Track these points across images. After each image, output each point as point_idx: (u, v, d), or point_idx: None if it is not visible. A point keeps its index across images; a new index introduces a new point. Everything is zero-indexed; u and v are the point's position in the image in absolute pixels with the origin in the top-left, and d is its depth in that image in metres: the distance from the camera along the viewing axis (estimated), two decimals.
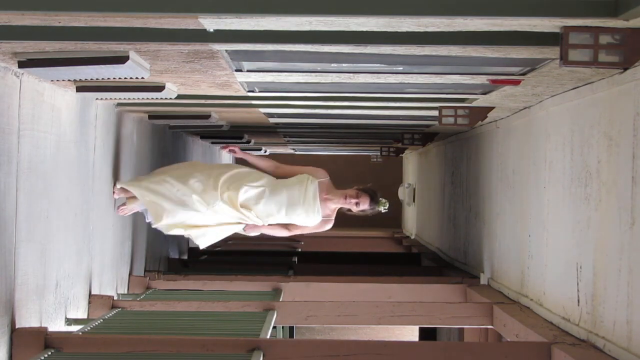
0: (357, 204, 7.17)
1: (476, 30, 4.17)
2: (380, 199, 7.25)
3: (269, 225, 7.25)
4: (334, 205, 7.23)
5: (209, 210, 7.13)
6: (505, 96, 6.57)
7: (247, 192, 7.12)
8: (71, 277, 6.49)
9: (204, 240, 7.26)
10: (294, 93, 7.15)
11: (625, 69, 4.63)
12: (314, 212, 7.13)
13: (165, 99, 6.82)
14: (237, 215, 7.15)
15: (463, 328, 10.24)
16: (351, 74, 5.87)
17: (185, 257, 12.16)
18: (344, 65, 5.57)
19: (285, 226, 7.30)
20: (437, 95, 6.99)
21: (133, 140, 8.69)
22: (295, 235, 7.63)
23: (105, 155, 7.46)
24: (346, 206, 7.21)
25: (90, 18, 3.99)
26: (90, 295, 7.02)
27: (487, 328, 8.42)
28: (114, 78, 5.42)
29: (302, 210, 7.11)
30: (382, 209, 7.27)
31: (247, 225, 7.24)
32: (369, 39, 4.31)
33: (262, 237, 7.92)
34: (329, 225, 7.29)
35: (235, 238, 10.18)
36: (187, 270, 10.16)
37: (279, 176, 7.37)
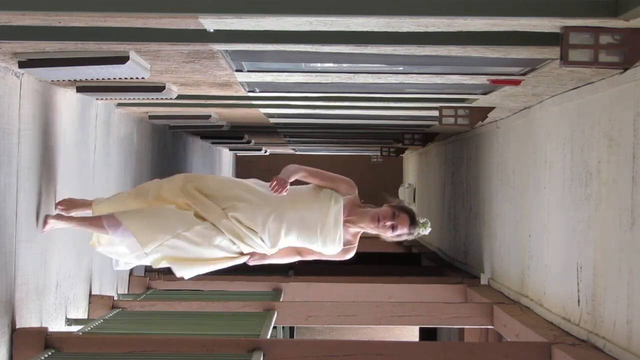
0: (392, 227, 5.28)
1: (476, 31, 4.17)
2: (419, 218, 5.40)
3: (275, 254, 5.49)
4: (358, 229, 5.41)
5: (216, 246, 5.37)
6: (506, 96, 6.57)
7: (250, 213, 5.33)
8: (71, 277, 6.49)
9: (190, 272, 5.42)
10: (294, 93, 7.15)
11: (626, 69, 4.63)
12: (333, 241, 5.32)
13: (166, 99, 6.82)
14: (242, 244, 5.36)
15: (463, 328, 10.23)
16: (351, 74, 5.87)
17: None
18: (344, 65, 5.57)
19: (297, 250, 5.50)
20: (438, 95, 6.99)
21: (133, 140, 8.69)
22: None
23: (105, 155, 7.45)
24: (376, 231, 5.35)
25: (91, 18, 3.99)
26: (90, 295, 7.01)
27: (487, 328, 8.42)
28: (114, 78, 5.42)
29: (319, 239, 5.32)
30: (424, 232, 5.40)
31: (252, 254, 5.42)
32: (369, 39, 4.32)
33: None
34: (350, 255, 5.47)
35: None
36: None
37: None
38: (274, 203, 5.27)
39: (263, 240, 5.29)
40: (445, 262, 11.30)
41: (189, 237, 5.23)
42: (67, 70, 5.07)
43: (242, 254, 5.39)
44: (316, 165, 5.66)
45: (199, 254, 5.28)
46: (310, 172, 5.38)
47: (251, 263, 5.44)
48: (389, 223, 5.25)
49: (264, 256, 5.43)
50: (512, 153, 7.82)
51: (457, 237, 10.87)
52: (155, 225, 5.23)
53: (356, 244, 5.45)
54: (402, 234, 5.29)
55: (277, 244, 5.32)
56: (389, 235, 5.30)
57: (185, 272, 5.37)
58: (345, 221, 5.30)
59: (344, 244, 5.35)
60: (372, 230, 5.31)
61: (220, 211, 5.28)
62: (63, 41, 4.49)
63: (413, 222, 5.31)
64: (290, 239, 5.32)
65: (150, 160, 9.53)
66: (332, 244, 5.32)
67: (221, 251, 5.31)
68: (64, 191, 6.16)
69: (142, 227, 5.22)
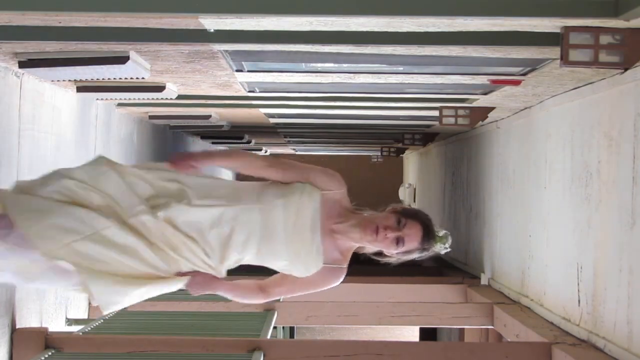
0: (397, 241, 3.64)
1: (477, 31, 4.17)
2: (438, 230, 3.79)
3: (224, 280, 3.74)
4: (349, 243, 3.72)
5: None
6: (506, 96, 6.56)
7: (187, 212, 3.61)
8: None
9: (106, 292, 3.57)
10: (294, 93, 7.15)
11: (626, 69, 4.63)
12: (309, 254, 3.66)
13: (166, 99, 6.82)
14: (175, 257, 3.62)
15: (463, 328, 10.23)
16: (351, 74, 5.87)
17: None
18: (344, 65, 5.57)
19: (259, 285, 3.83)
20: (438, 95, 6.99)
21: (133, 140, 8.68)
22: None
23: (105, 155, 7.44)
24: (374, 245, 3.69)
25: (91, 18, 3.99)
26: None
27: (488, 328, 8.42)
28: (114, 78, 5.42)
29: (285, 252, 3.65)
30: (443, 248, 3.81)
31: (190, 280, 3.63)
32: (369, 39, 4.32)
33: None
34: (337, 279, 3.75)
35: None
36: None
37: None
38: (225, 200, 3.64)
39: (207, 254, 3.62)
40: (446, 262, 11.29)
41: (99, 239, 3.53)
42: (67, 70, 5.06)
43: (176, 274, 3.63)
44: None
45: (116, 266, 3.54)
46: (267, 162, 3.75)
47: (193, 291, 3.66)
48: (392, 235, 3.62)
49: (209, 280, 3.68)
50: (512, 153, 7.81)
51: (458, 237, 10.86)
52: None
53: (346, 265, 3.74)
54: (411, 249, 3.70)
55: (226, 259, 3.65)
56: (392, 252, 3.69)
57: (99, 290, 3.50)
58: (330, 230, 3.66)
59: (329, 262, 3.67)
60: (368, 244, 3.67)
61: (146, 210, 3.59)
62: (63, 41, 4.48)
63: (427, 235, 3.71)
64: (247, 254, 3.66)
65: (150, 161, 9.53)
66: (308, 257, 3.65)
67: (146, 266, 3.57)
68: None
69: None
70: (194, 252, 3.61)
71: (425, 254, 3.78)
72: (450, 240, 3.84)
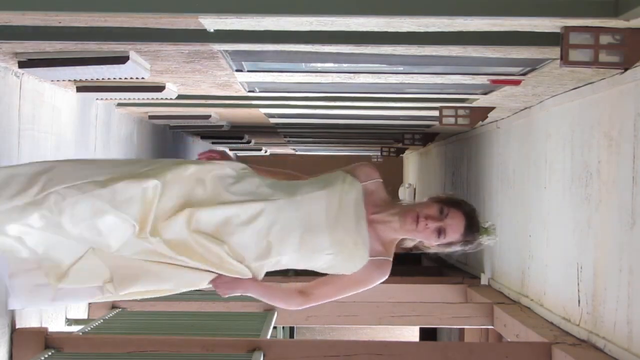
0: (439, 231, 3.45)
1: (477, 30, 4.17)
2: (483, 221, 3.62)
3: (261, 282, 3.50)
4: (392, 235, 3.51)
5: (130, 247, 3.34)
6: (506, 96, 6.56)
7: (218, 210, 3.36)
8: None
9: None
10: (294, 93, 7.14)
11: (626, 69, 4.63)
12: (355, 244, 3.41)
13: (166, 99, 6.82)
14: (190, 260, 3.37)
15: (463, 328, 10.23)
16: (351, 74, 5.86)
17: None
18: (344, 65, 5.56)
19: (298, 288, 3.59)
20: (438, 95, 6.99)
21: (133, 140, 8.68)
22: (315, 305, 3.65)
23: (105, 155, 7.45)
24: (413, 236, 3.50)
25: (91, 18, 3.99)
26: None
27: (488, 328, 8.42)
28: (114, 78, 5.42)
29: (331, 241, 3.39)
30: (489, 241, 3.63)
31: (216, 277, 3.40)
32: (369, 39, 4.31)
33: None
34: (383, 275, 3.49)
35: None
36: None
37: None
38: (260, 195, 3.40)
39: (235, 257, 3.37)
40: (446, 262, 11.29)
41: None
42: (67, 70, 5.06)
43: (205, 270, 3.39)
44: (316, 166, 4.08)
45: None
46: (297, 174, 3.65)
47: (221, 290, 3.42)
48: (433, 225, 3.42)
49: (238, 279, 3.40)
50: (512, 153, 7.81)
51: None
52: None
53: (391, 258, 3.51)
54: (453, 241, 3.47)
55: (263, 258, 3.40)
56: (433, 243, 3.48)
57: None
58: (370, 220, 3.45)
59: (374, 254, 3.44)
60: (408, 234, 3.47)
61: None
62: (63, 41, 4.48)
63: (471, 226, 3.51)
64: (287, 252, 3.41)
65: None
66: (353, 251, 3.41)
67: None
68: None
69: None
70: (219, 256, 3.34)
71: (469, 247, 3.55)
72: (496, 232, 3.66)
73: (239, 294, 3.47)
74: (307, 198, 3.40)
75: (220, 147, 16.79)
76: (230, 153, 19.93)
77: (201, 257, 3.33)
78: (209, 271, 3.37)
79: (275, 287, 3.56)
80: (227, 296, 3.44)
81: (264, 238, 3.36)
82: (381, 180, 3.55)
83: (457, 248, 3.52)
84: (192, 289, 3.43)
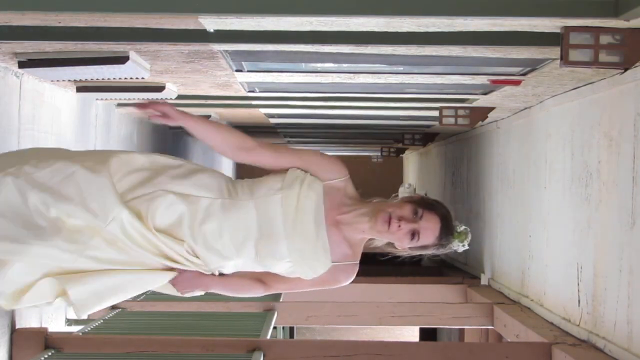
0: (412, 234, 3.29)
1: (477, 31, 4.17)
2: (457, 225, 3.46)
3: (220, 276, 3.33)
4: (359, 236, 3.35)
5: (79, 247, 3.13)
6: (506, 96, 6.56)
7: (172, 206, 3.21)
8: None
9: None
10: (294, 93, 7.15)
11: (626, 69, 4.62)
12: (315, 253, 3.25)
13: (166, 99, 6.82)
14: (150, 256, 3.20)
15: (463, 328, 10.23)
16: (351, 74, 5.86)
17: None
18: (344, 65, 5.56)
19: (258, 277, 3.37)
20: (438, 95, 6.99)
21: (133, 140, 8.68)
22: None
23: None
24: (385, 238, 3.34)
25: (91, 18, 3.99)
26: None
27: (488, 328, 8.42)
28: (114, 78, 5.42)
29: (288, 250, 3.22)
30: (461, 246, 3.46)
31: (177, 276, 3.25)
32: (369, 39, 4.31)
33: None
34: (348, 279, 3.37)
35: None
36: None
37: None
38: (213, 192, 3.26)
39: (196, 254, 3.21)
40: (446, 262, 11.29)
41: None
42: (67, 70, 5.06)
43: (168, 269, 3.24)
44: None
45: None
46: (257, 142, 3.34)
47: (181, 288, 3.27)
48: (406, 227, 3.26)
49: (198, 276, 3.26)
50: (512, 153, 7.81)
51: None
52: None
53: (357, 261, 3.36)
54: (426, 244, 3.34)
55: (219, 266, 3.26)
56: (405, 246, 3.32)
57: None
58: (335, 221, 3.26)
59: (339, 259, 3.28)
60: (379, 235, 3.31)
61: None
62: (63, 41, 4.48)
63: (446, 229, 3.36)
64: (243, 256, 3.23)
65: None
66: (312, 259, 3.24)
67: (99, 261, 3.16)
68: None
69: None
70: (176, 251, 3.19)
71: (441, 251, 3.41)
72: (470, 238, 3.48)
73: (201, 294, 3.34)
74: (262, 202, 3.21)
75: None
76: None
77: (159, 251, 3.19)
78: (168, 269, 3.23)
79: (236, 280, 3.35)
80: (187, 295, 3.30)
81: (215, 242, 3.20)
82: (348, 176, 3.32)
83: (429, 251, 3.39)
84: (151, 288, 3.28)
